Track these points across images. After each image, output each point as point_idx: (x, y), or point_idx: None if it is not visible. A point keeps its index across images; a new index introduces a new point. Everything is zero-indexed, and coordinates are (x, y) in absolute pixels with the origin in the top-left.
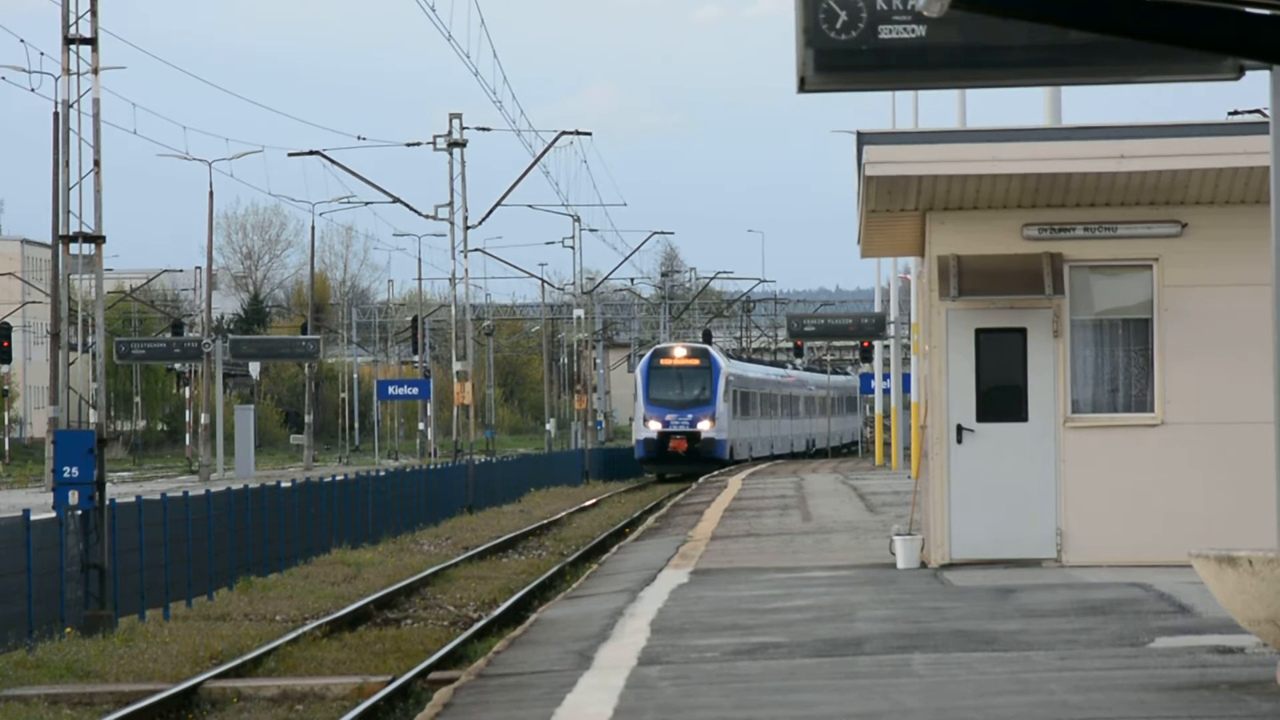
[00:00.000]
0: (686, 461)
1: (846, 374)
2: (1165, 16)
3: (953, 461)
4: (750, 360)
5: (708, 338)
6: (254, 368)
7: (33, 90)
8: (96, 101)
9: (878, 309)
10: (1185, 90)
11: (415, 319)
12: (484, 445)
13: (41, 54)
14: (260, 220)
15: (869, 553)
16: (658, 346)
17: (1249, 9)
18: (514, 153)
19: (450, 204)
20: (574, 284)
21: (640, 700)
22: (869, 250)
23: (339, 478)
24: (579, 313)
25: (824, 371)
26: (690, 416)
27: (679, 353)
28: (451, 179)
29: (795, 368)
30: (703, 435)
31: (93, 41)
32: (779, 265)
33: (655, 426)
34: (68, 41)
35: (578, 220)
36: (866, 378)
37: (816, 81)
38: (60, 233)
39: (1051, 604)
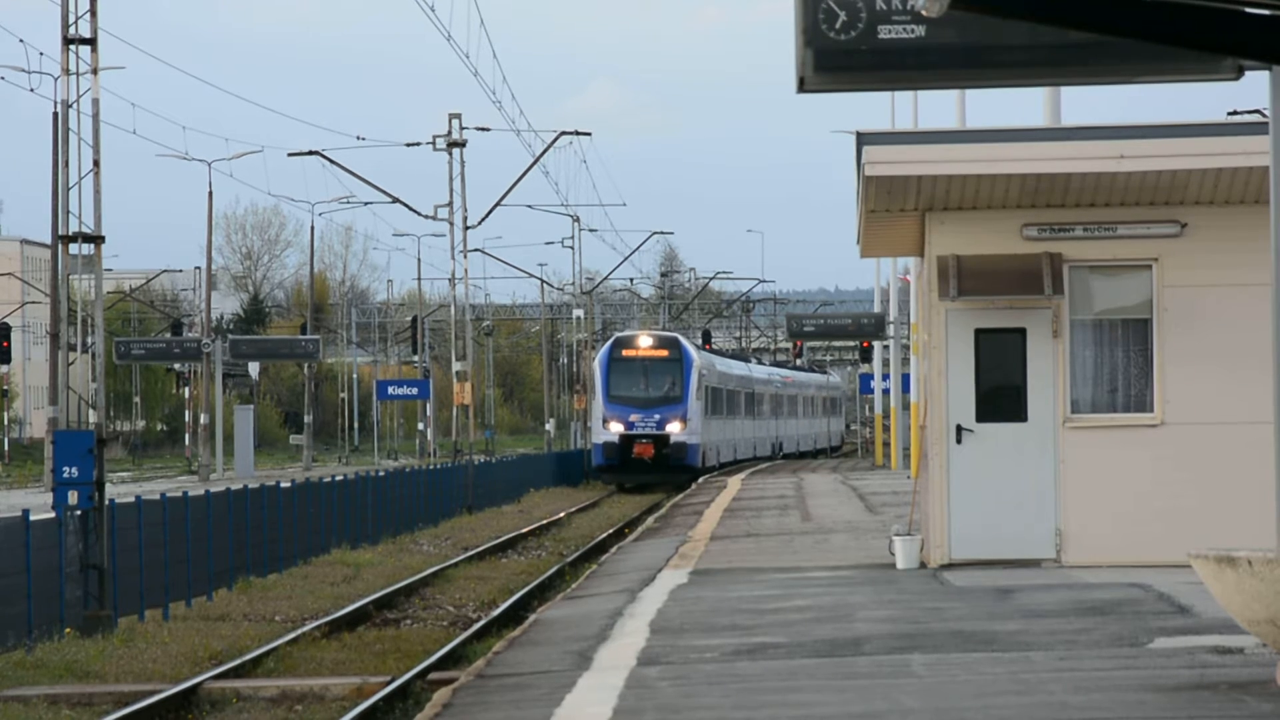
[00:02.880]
0: (653, 469)
1: (825, 373)
2: (1165, 16)
3: (952, 461)
4: (717, 353)
5: (707, 338)
6: (253, 368)
7: (33, 90)
8: (96, 101)
9: (877, 309)
10: (1185, 90)
11: (415, 319)
12: (483, 445)
13: (41, 54)
14: (260, 220)
15: (868, 553)
16: (619, 335)
17: (1249, 9)
18: (514, 153)
19: (450, 204)
20: (574, 284)
21: (640, 700)
22: (869, 250)
23: (338, 478)
24: (579, 313)
25: (794, 367)
26: (658, 417)
27: (644, 342)
28: (451, 179)
29: (761, 362)
30: (672, 439)
31: (92, 42)
32: (779, 265)
33: (617, 428)
34: (67, 42)
35: (577, 220)
36: (866, 378)
37: (816, 81)
38: (60, 233)
39: (1051, 604)
